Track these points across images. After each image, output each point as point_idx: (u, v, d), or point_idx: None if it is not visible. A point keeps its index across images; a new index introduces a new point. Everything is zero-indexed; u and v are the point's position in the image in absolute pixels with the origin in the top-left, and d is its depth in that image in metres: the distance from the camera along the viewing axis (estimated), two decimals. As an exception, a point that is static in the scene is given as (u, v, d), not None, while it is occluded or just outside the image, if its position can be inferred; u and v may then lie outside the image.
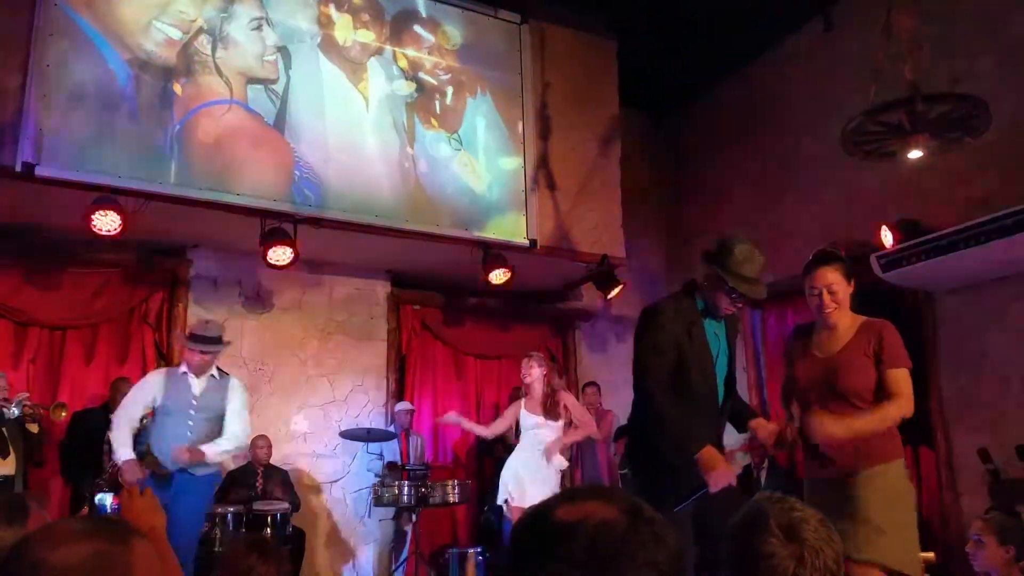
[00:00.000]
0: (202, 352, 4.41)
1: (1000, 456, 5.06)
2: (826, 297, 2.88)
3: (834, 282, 2.89)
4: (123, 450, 4.27)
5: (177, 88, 5.37)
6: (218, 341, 4.50)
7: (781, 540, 1.34)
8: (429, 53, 6.38)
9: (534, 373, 5.17)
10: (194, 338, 4.46)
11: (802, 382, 2.96)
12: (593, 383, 7.02)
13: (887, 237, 5.45)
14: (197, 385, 4.45)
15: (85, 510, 2.73)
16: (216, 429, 4.43)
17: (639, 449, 3.11)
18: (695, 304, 2.97)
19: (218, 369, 4.58)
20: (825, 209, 6.42)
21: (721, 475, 2.67)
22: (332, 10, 6.05)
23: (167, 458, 4.30)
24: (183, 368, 4.50)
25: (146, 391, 4.44)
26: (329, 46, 6.00)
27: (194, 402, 4.41)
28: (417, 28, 6.39)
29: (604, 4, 6.86)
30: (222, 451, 4.44)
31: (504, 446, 6.42)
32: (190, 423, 4.39)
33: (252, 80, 5.65)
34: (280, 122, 5.69)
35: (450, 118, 6.36)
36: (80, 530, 0.97)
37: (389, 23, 6.28)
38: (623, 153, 7.08)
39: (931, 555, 4.33)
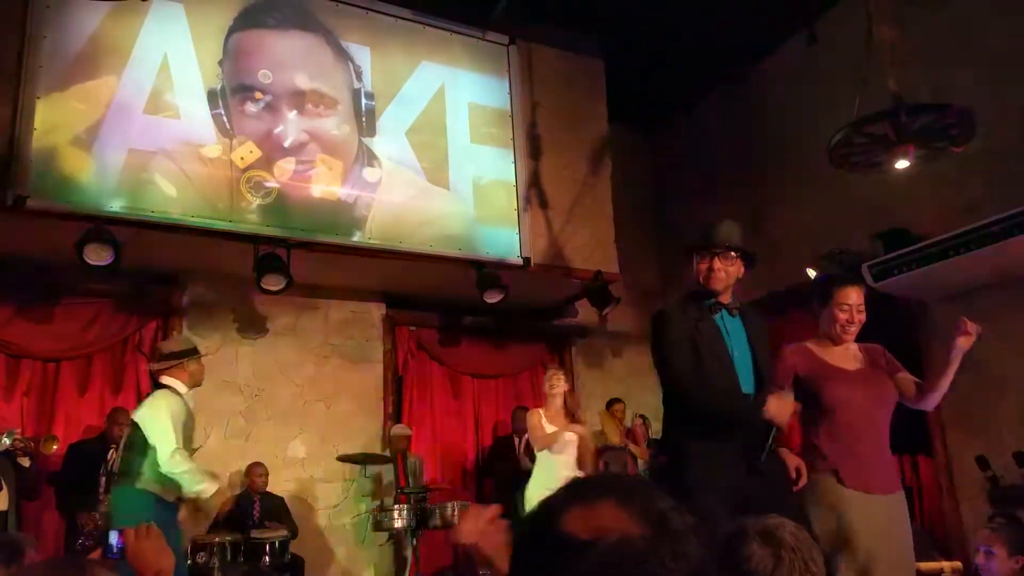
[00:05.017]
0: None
1: (998, 462, 5.07)
2: (855, 315, 3.02)
3: (861, 302, 3.05)
4: (210, 480, 4.05)
5: (168, 117, 5.41)
6: None
7: (759, 543, 1.45)
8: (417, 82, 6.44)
9: (562, 384, 5.26)
10: (195, 350, 4.38)
11: (843, 395, 2.97)
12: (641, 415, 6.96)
13: (877, 246, 5.48)
14: (190, 404, 4.32)
15: (98, 552, 2.59)
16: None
17: (673, 464, 2.96)
18: (700, 303, 2.98)
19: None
20: (815, 220, 6.46)
21: (785, 411, 2.76)
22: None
23: (183, 488, 4.10)
24: (181, 389, 4.26)
25: (180, 416, 4.12)
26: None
27: (192, 423, 4.30)
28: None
29: (591, 23, 6.93)
30: None
31: (509, 464, 6.40)
32: (191, 444, 4.32)
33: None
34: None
35: (440, 141, 6.39)
36: None
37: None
38: (614, 170, 7.12)
39: (958, 564, 4.31)
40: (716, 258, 2.92)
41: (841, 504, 2.83)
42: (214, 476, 4.04)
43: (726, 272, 2.93)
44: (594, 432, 6.66)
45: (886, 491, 2.93)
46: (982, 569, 3.33)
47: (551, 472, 4.97)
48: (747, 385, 2.89)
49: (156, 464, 4.00)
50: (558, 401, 5.23)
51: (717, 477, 2.68)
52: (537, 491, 5.02)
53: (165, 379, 4.25)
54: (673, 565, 0.78)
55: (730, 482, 2.69)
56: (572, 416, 5.24)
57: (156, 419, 4.06)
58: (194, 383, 4.34)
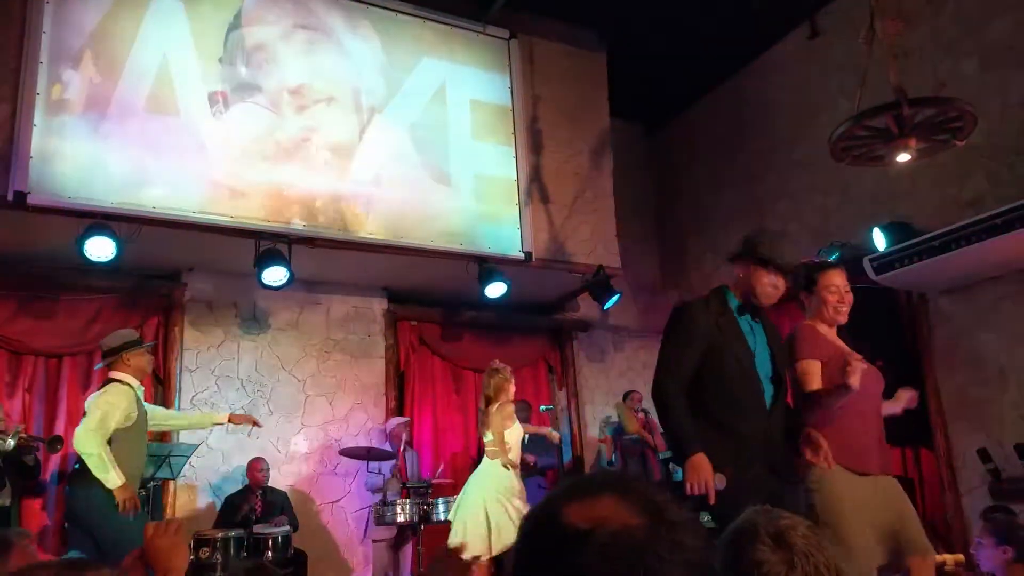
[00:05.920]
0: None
1: (1000, 455, 5.08)
2: (844, 295, 3.03)
3: (846, 283, 3.06)
4: (116, 472, 3.92)
5: (168, 114, 5.40)
6: None
7: (771, 547, 1.37)
8: (420, 74, 6.42)
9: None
10: (131, 343, 4.34)
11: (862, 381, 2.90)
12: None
13: (879, 239, 5.48)
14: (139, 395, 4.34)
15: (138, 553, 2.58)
16: None
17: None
18: (726, 301, 2.97)
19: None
20: (817, 213, 6.45)
21: (699, 483, 2.62)
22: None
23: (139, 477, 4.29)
24: (132, 383, 4.27)
25: (127, 407, 4.13)
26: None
27: (142, 416, 4.29)
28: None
29: (593, 18, 6.92)
30: None
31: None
32: (146, 436, 4.36)
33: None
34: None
35: (441, 136, 6.38)
36: None
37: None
38: (615, 164, 7.11)
39: (960, 557, 4.33)
40: (782, 278, 2.92)
41: (852, 489, 2.78)
42: (119, 474, 3.93)
43: (779, 291, 2.95)
44: (611, 422, 6.68)
45: (886, 471, 2.96)
46: (975, 559, 3.37)
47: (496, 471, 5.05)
48: (766, 380, 2.91)
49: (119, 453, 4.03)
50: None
51: (742, 473, 2.67)
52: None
53: (113, 374, 4.27)
54: (670, 554, 0.79)
55: (755, 480, 2.68)
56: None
57: (91, 407, 4.10)
58: (140, 375, 4.34)
